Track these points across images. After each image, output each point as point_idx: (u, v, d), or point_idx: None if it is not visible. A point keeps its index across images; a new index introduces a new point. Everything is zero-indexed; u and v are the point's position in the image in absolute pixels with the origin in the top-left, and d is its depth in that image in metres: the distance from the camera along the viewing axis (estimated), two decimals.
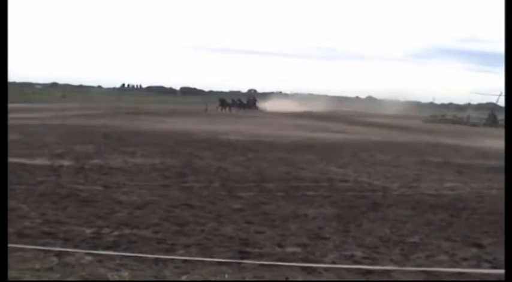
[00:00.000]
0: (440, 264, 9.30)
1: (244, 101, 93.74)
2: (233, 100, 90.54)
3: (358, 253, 9.66)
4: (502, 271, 6.42)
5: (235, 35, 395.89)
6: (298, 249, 9.72)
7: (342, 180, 17.44)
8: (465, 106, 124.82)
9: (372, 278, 8.36)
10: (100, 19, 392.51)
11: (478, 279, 8.64)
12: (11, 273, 7.58)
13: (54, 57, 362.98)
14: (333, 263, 9.01)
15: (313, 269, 8.56)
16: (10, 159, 18.62)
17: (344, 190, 15.81)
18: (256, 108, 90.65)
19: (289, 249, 9.70)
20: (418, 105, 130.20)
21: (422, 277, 8.53)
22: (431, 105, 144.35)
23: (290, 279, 8.05)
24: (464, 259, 9.66)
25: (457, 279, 8.63)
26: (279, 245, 9.92)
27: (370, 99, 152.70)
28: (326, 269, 8.58)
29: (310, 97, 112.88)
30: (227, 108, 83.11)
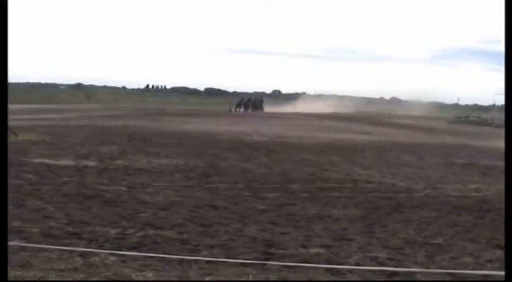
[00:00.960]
0: (465, 266, 9.25)
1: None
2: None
3: (383, 254, 9.63)
4: None
5: (260, 36, 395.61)
6: (322, 250, 9.70)
7: (366, 182, 17.39)
8: (489, 107, 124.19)
9: (397, 279, 8.33)
10: (125, 20, 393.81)
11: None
12: (36, 273, 7.62)
13: (79, 58, 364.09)
14: (357, 264, 8.98)
15: (337, 270, 8.53)
16: (35, 160, 18.83)
17: (368, 191, 15.76)
18: (262, 108, 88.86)
19: (313, 250, 9.69)
20: (442, 106, 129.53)
21: (447, 279, 8.48)
22: (456, 106, 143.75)
23: (314, 280, 8.03)
24: (489, 261, 9.60)
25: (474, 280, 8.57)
26: (303, 246, 9.90)
27: (394, 100, 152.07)
28: (350, 271, 8.55)
29: (334, 98, 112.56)
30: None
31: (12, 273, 7.57)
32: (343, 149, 27.86)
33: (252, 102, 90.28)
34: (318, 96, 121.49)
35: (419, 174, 19.80)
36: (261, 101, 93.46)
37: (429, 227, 11.80)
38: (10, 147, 21.19)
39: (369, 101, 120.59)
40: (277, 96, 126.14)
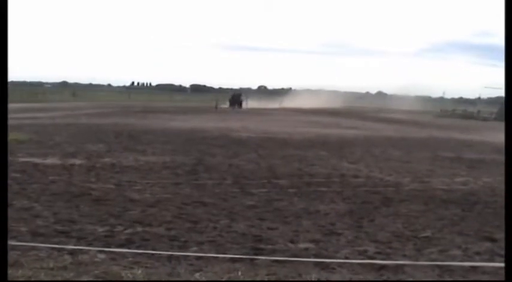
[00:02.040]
0: (454, 258, 9.30)
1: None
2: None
3: (371, 248, 9.67)
4: None
5: (245, 32, 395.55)
6: (311, 245, 9.74)
7: (354, 176, 17.44)
8: (475, 100, 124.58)
9: (386, 273, 8.36)
10: (109, 18, 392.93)
11: (489, 273, 8.61)
12: (26, 272, 7.61)
13: (64, 56, 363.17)
14: (346, 258, 9.02)
15: (327, 265, 8.56)
16: (22, 159, 18.79)
17: (356, 186, 15.80)
18: (240, 105, 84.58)
19: (302, 245, 9.72)
20: (429, 100, 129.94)
21: (435, 271, 8.52)
22: (442, 99, 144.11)
23: (303, 275, 8.05)
24: (477, 253, 9.66)
25: (467, 275, 8.61)
26: (292, 241, 9.93)
27: (380, 95, 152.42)
28: (339, 265, 8.58)
29: (320, 93, 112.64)
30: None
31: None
32: (330, 144, 27.93)
33: (231, 97, 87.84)
34: (304, 92, 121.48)
35: (407, 168, 19.87)
36: (239, 96, 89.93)
37: (417, 220, 11.85)
38: None
39: (355, 95, 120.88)
40: (263, 92, 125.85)
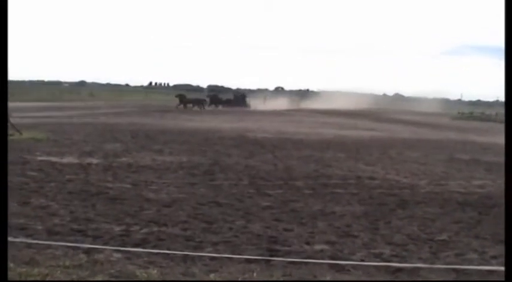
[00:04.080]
0: (470, 262, 9.25)
1: (231, 97, 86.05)
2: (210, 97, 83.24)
3: (387, 251, 9.64)
4: None
5: (262, 33, 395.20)
6: (326, 247, 9.72)
7: (370, 178, 17.38)
8: (493, 103, 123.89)
9: (401, 276, 8.33)
10: (127, 18, 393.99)
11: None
12: (42, 270, 7.64)
13: (82, 56, 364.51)
14: (362, 260, 8.99)
15: (342, 267, 8.55)
16: (39, 158, 18.87)
17: (372, 188, 15.75)
18: (246, 105, 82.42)
19: (317, 247, 9.70)
20: (446, 102, 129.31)
21: (452, 275, 8.48)
22: (459, 102, 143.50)
23: (319, 277, 8.04)
24: (494, 257, 9.60)
25: (483, 278, 8.57)
26: (308, 243, 9.92)
27: (397, 97, 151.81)
28: (354, 267, 8.56)
29: (337, 94, 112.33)
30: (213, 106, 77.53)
31: (17, 271, 7.60)
32: (347, 145, 27.84)
33: (233, 97, 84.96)
34: (321, 93, 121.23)
35: (423, 170, 19.79)
36: (244, 96, 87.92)
37: (433, 223, 11.80)
38: (14, 145, 21.42)
39: (372, 97, 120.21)
40: (280, 92, 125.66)
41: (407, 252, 9.60)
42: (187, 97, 76.36)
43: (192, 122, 42.31)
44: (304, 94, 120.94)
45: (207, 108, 72.30)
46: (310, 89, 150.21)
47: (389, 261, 8.99)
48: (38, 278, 7.40)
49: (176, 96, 75.31)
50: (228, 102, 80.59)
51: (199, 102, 73.94)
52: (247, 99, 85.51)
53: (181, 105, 71.30)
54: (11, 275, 7.42)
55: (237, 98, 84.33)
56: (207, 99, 79.08)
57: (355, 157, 22.74)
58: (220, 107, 76.92)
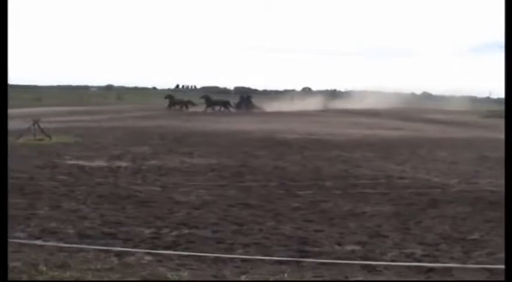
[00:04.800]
0: (502, 261, 9.16)
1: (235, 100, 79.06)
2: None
3: (418, 251, 9.56)
4: None
5: (287, 34, 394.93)
6: (357, 247, 9.66)
7: (400, 178, 17.29)
8: None
9: (433, 276, 8.27)
10: (153, 21, 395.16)
11: None
12: (74, 273, 7.67)
13: (109, 60, 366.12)
14: (393, 261, 8.94)
15: (373, 267, 8.50)
16: (69, 162, 18.99)
17: (402, 187, 15.67)
18: (252, 107, 76.46)
19: (348, 248, 9.65)
20: (475, 101, 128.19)
21: (484, 274, 8.41)
22: (488, 100, 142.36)
23: (350, 278, 8.01)
24: None
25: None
26: (338, 243, 9.87)
27: (425, 96, 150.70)
28: (386, 267, 8.51)
29: (365, 94, 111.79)
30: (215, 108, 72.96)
31: (49, 274, 7.64)
32: (376, 145, 27.72)
33: (239, 100, 78.49)
34: (348, 93, 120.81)
35: (453, 169, 19.66)
36: (249, 98, 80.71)
37: (465, 222, 11.71)
38: (44, 149, 21.62)
39: (400, 96, 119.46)
40: (307, 93, 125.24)
41: (439, 252, 9.53)
42: (213, 98, 75.54)
43: (219, 123, 42.33)
44: (331, 94, 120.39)
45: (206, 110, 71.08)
46: (338, 89, 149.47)
47: (421, 261, 8.93)
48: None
49: (166, 98, 76.32)
50: (225, 104, 75.63)
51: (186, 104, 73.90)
52: (253, 101, 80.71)
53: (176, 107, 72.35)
54: (43, 278, 7.48)
55: (242, 100, 79.15)
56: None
57: (384, 157, 22.64)
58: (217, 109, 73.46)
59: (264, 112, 67.69)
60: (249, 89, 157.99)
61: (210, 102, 72.24)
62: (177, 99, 76.54)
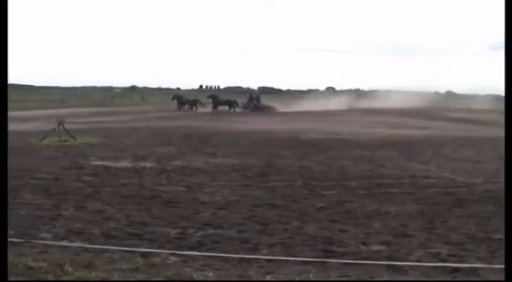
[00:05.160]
0: None
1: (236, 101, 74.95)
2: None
3: (444, 250, 9.52)
4: None
5: (310, 34, 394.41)
6: (382, 247, 9.64)
7: (424, 177, 17.22)
8: None
9: (459, 276, 8.22)
10: (176, 22, 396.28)
11: None
12: (99, 274, 7.71)
13: (133, 61, 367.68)
14: (418, 261, 8.90)
15: (399, 268, 8.47)
16: (94, 162, 19.08)
17: (427, 186, 15.60)
18: (261, 107, 71.96)
19: (373, 248, 9.62)
20: (499, 99, 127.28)
21: None
22: None
23: (376, 278, 7.98)
24: None
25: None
26: (363, 243, 9.85)
27: (449, 94, 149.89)
28: (412, 267, 8.48)
29: (388, 93, 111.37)
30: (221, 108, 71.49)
31: (75, 274, 7.68)
32: (400, 144, 27.59)
33: (248, 100, 75.28)
34: (372, 92, 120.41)
35: (478, 168, 19.55)
36: (258, 98, 77.62)
37: (490, 221, 11.64)
38: (69, 150, 21.70)
39: (423, 95, 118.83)
40: (331, 92, 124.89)
41: (465, 252, 9.48)
42: (220, 98, 74.80)
43: (243, 123, 42.31)
44: (355, 94, 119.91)
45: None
46: (361, 88, 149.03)
47: (446, 261, 8.90)
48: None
49: (173, 99, 76.18)
50: (232, 104, 71.95)
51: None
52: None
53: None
54: (69, 278, 7.52)
55: (251, 100, 75.42)
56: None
57: (409, 156, 22.55)
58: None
59: (282, 112, 66.62)
60: (272, 88, 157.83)
61: (216, 102, 71.36)
62: (185, 99, 76.12)
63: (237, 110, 69.14)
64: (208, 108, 68.28)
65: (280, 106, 74.38)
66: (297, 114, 62.10)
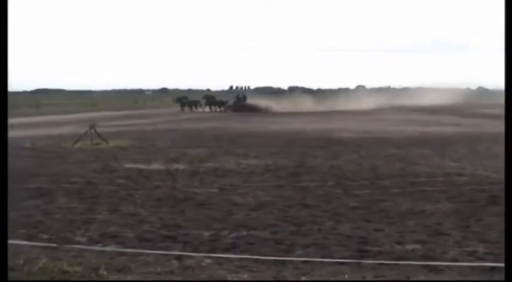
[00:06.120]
0: None
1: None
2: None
3: (480, 249, 9.43)
4: None
5: (338, 33, 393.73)
6: (417, 246, 9.55)
7: (458, 174, 17.07)
8: None
9: (496, 275, 8.13)
10: (204, 24, 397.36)
11: None
12: (135, 277, 7.72)
13: (164, 63, 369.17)
14: (455, 260, 8.81)
15: (434, 267, 8.39)
16: (126, 165, 19.16)
17: (461, 184, 15.47)
18: (246, 107, 70.72)
19: (408, 247, 9.55)
20: None
21: None
22: None
23: (412, 278, 7.92)
24: None
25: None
26: (398, 243, 9.78)
27: (481, 90, 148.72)
28: (448, 267, 8.40)
29: (419, 91, 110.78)
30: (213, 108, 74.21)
31: (110, 278, 7.69)
32: (432, 142, 27.42)
33: (236, 99, 77.06)
34: (403, 90, 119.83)
35: None
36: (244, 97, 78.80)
37: None
38: (101, 154, 21.84)
39: (455, 92, 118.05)
40: (361, 91, 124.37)
41: (502, 250, 9.37)
42: (212, 99, 77.77)
43: (275, 124, 42.30)
44: (385, 91, 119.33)
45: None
46: (392, 86, 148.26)
47: (483, 260, 8.81)
48: None
49: (178, 101, 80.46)
50: (222, 105, 74.73)
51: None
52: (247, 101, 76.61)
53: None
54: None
55: (239, 100, 76.63)
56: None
57: (442, 154, 22.39)
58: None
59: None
60: (302, 88, 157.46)
61: (209, 103, 75.12)
62: (187, 100, 78.85)
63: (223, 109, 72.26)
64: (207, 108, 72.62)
65: (313, 106, 74.61)
66: (327, 113, 61.83)
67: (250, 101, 74.73)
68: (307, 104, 77.06)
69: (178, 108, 76.51)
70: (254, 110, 68.37)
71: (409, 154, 22.31)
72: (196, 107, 76.29)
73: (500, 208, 12.35)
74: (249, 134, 32.48)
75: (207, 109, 74.70)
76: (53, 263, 8.35)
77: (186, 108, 75.45)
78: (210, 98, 77.57)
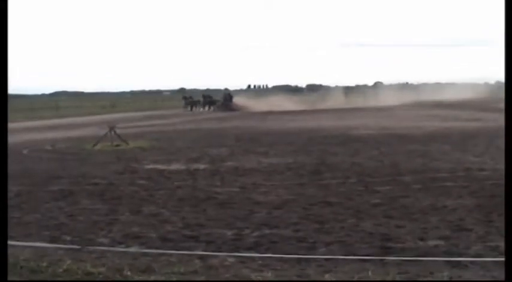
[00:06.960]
0: None
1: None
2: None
3: (503, 244, 9.38)
4: None
5: (356, 29, 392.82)
6: (440, 242, 9.52)
7: (479, 169, 16.99)
8: None
9: None
10: (221, 23, 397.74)
11: None
12: (158, 277, 7.75)
13: (181, 64, 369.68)
14: (478, 255, 8.78)
15: (458, 262, 8.37)
16: (147, 166, 19.24)
17: (483, 179, 15.40)
18: (231, 107, 73.72)
19: (431, 243, 9.52)
20: None
21: None
22: None
23: (435, 273, 7.90)
24: None
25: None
26: (421, 239, 9.75)
27: (499, 85, 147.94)
28: (472, 262, 8.38)
29: (437, 86, 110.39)
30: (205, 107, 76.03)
31: (134, 279, 7.74)
32: (452, 137, 27.29)
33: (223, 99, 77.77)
34: (421, 86, 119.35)
35: None
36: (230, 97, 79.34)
37: None
38: (121, 155, 21.92)
39: (473, 87, 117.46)
40: (379, 87, 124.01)
41: None
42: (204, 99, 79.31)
43: (294, 122, 42.32)
44: (403, 87, 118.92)
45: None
46: (410, 82, 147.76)
47: None
48: None
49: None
50: (212, 104, 77.16)
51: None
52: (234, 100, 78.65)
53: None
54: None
55: (226, 99, 77.80)
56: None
57: (462, 149, 22.29)
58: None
59: (333, 109, 66.44)
60: (320, 86, 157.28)
61: (206, 102, 77.24)
62: (190, 100, 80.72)
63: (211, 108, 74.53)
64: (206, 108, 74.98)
65: (334, 103, 74.81)
66: (345, 111, 61.65)
67: (268, 98, 76.77)
68: (329, 102, 77.11)
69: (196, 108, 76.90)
70: (238, 109, 71.14)
71: (430, 150, 22.23)
72: (196, 106, 77.94)
73: None
74: (268, 133, 32.50)
75: (206, 109, 76.24)
76: (77, 264, 8.40)
77: (188, 108, 77.55)
78: (207, 98, 79.10)
